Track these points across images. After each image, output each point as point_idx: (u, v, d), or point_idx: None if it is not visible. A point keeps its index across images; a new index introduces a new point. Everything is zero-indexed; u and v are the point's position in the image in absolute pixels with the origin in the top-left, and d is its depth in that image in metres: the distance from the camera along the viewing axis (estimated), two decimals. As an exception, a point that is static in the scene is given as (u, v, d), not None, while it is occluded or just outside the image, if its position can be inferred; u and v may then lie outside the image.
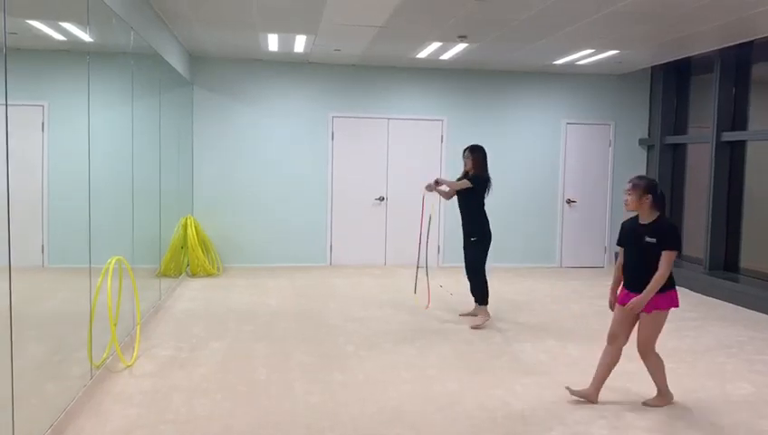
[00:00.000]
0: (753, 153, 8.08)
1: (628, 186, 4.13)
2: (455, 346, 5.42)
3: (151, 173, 6.36)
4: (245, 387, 4.36)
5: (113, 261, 4.56)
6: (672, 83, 9.43)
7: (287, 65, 9.12)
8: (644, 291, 3.97)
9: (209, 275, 8.39)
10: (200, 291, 7.48)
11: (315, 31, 7.04)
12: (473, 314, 6.29)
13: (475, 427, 3.79)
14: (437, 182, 6.28)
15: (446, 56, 8.34)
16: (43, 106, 5.12)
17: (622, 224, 4.32)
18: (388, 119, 9.42)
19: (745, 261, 7.92)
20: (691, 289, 8.06)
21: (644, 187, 4.06)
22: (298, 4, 6.01)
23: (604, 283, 8.59)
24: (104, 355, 4.52)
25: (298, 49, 8.09)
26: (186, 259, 8.34)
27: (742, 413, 4.08)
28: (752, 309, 6.88)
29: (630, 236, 4.16)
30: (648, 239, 4.03)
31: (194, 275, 8.33)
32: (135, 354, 4.91)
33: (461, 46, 7.68)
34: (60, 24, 4.38)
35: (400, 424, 3.80)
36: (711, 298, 7.54)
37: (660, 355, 4.20)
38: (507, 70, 9.41)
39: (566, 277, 8.96)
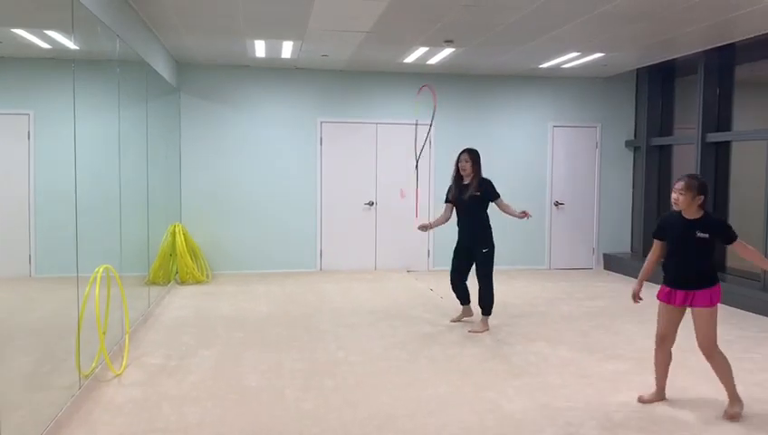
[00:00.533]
0: (737, 153, 8.16)
1: (680, 185, 4.01)
2: (445, 350, 5.42)
3: (139, 181, 6.33)
4: (236, 394, 4.34)
5: (101, 270, 4.53)
6: (657, 85, 9.52)
7: (275, 71, 9.12)
8: (760, 259, 4.02)
9: (198, 282, 8.36)
10: (189, 298, 7.45)
11: (302, 37, 7.05)
12: (459, 320, 6.28)
13: (466, 430, 3.79)
14: (426, 226, 6.24)
15: (433, 61, 8.37)
16: (28, 115, 5.10)
17: (663, 216, 4.25)
18: (377, 123, 9.43)
19: (732, 260, 7.98)
20: (679, 289, 8.12)
21: (698, 187, 3.97)
22: (284, 11, 6.02)
23: (593, 284, 8.65)
24: (93, 365, 4.49)
25: (285, 55, 8.09)
26: (174, 267, 8.30)
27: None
28: (738, 308, 6.94)
29: (678, 231, 4.07)
30: (700, 235, 3.98)
31: (183, 282, 8.29)
32: (124, 363, 4.88)
33: (448, 51, 7.71)
34: (45, 32, 4.37)
35: (392, 429, 3.80)
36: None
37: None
38: (494, 74, 9.46)
39: (555, 279, 9.00)
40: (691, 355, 5.33)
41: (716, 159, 8.28)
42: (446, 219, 6.28)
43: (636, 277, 9.91)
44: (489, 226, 6.06)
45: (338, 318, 6.53)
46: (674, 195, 4.05)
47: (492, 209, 6.13)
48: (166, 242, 7.99)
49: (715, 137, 8.18)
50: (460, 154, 6.09)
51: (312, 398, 4.27)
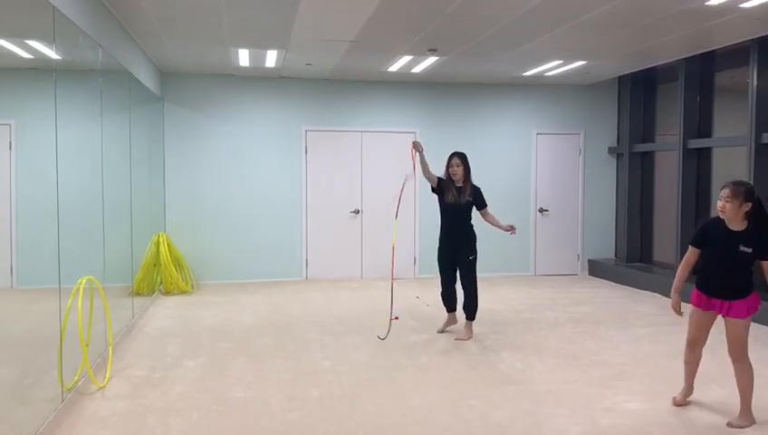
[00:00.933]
0: (718, 159, 8.26)
1: (726, 192, 3.86)
2: (431, 358, 5.42)
3: (122, 191, 6.29)
4: (221, 405, 4.30)
5: (84, 281, 4.49)
6: (639, 93, 9.62)
7: (259, 80, 9.11)
8: None
9: (183, 292, 8.30)
10: (174, 309, 7.39)
11: (286, 46, 7.05)
12: (444, 330, 6.22)
13: (453, 438, 3.79)
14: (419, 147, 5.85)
15: (417, 69, 8.40)
16: (9, 125, 5.05)
17: (705, 224, 4.13)
18: (362, 132, 9.45)
19: None
20: (663, 294, 8.18)
21: (744, 194, 3.84)
22: (268, 20, 6.02)
23: (578, 290, 8.70)
24: (76, 377, 4.44)
25: (269, 64, 8.09)
26: (158, 277, 8.24)
27: (715, 416, 4.13)
28: None
29: (720, 241, 3.95)
30: (743, 248, 3.87)
31: (167, 293, 8.23)
32: (108, 375, 4.83)
33: (432, 59, 7.75)
34: (26, 42, 4.34)
35: (378, 438, 3.79)
36: (683, 302, 7.62)
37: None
38: (478, 82, 9.51)
39: (541, 285, 9.04)
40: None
41: (698, 164, 8.38)
42: (431, 179, 6.01)
43: (620, 283, 10.02)
44: (473, 232, 6.07)
45: (324, 327, 6.51)
46: (720, 203, 3.91)
47: (509, 219, 6.18)
48: (150, 252, 7.93)
49: (696, 143, 8.28)
50: (450, 158, 6.00)
51: (297, 408, 4.25)
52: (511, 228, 5.98)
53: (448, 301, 6.24)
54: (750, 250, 3.90)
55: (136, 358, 5.41)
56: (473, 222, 6.07)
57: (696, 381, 4.37)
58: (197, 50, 7.38)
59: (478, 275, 6.11)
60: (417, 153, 5.90)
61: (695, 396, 4.45)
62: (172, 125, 8.92)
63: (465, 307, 6.08)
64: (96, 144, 5.32)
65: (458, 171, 5.95)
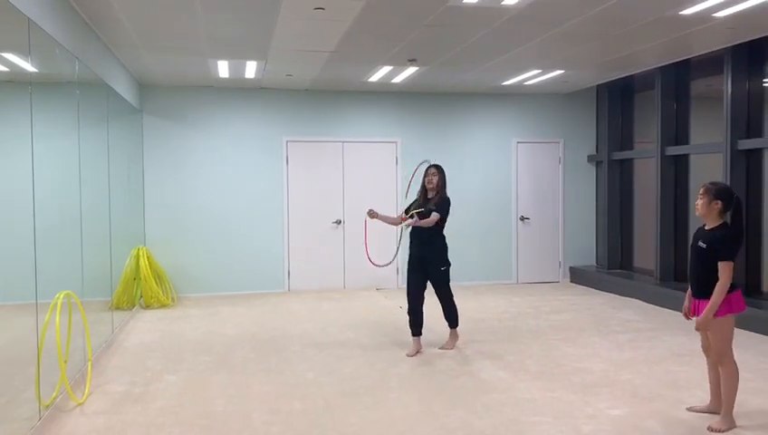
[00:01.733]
0: (695, 166, 8.37)
1: (701, 190, 4.04)
2: (415, 368, 5.41)
3: (100, 204, 6.22)
4: (203, 420, 4.25)
5: (61, 296, 4.42)
6: (617, 101, 9.74)
7: (239, 91, 9.09)
8: (706, 307, 3.91)
9: (163, 306, 8.21)
10: (154, 323, 7.31)
11: (265, 57, 7.04)
12: (415, 354, 5.87)
13: (436, 448, 3.78)
14: (372, 214, 5.92)
15: (397, 79, 8.44)
16: (-16, 139, 4.98)
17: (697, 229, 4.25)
18: (343, 142, 9.45)
19: None
20: (643, 300, 8.26)
21: (715, 192, 3.98)
22: (246, 31, 6.02)
23: (560, 297, 8.75)
24: (54, 394, 4.36)
25: (249, 75, 8.07)
26: (139, 291, 8.15)
27: (697, 420, 4.16)
28: None
29: (693, 241, 4.12)
30: (700, 244, 4.00)
31: (147, 306, 8.14)
32: (86, 391, 4.75)
33: (411, 69, 7.78)
34: (1, 54, 4.29)
35: (362, 450, 3.76)
36: (663, 308, 7.73)
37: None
38: (458, 91, 9.57)
39: (522, 293, 9.08)
40: (679, 367, 5.41)
41: (676, 171, 8.49)
42: (395, 223, 6.09)
43: (601, 290, 10.10)
44: (442, 243, 5.92)
45: (306, 339, 6.48)
46: (696, 202, 4.08)
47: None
48: (129, 266, 7.85)
49: (673, 150, 8.39)
50: (428, 168, 5.99)
51: (280, 421, 4.21)
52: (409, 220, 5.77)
53: (415, 323, 5.90)
54: (705, 246, 3.98)
55: (116, 373, 5.33)
56: (445, 233, 5.93)
57: (703, 391, 4.33)
58: (176, 62, 7.35)
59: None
60: (374, 219, 5.94)
61: (681, 399, 4.48)
62: (151, 137, 8.86)
63: (445, 317, 6.05)
64: (73, 157, 5.26)
65: (433, 180, 5.87)
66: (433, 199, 5.89)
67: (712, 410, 4.20)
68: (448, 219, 5.93)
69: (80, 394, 4.68)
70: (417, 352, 5.85)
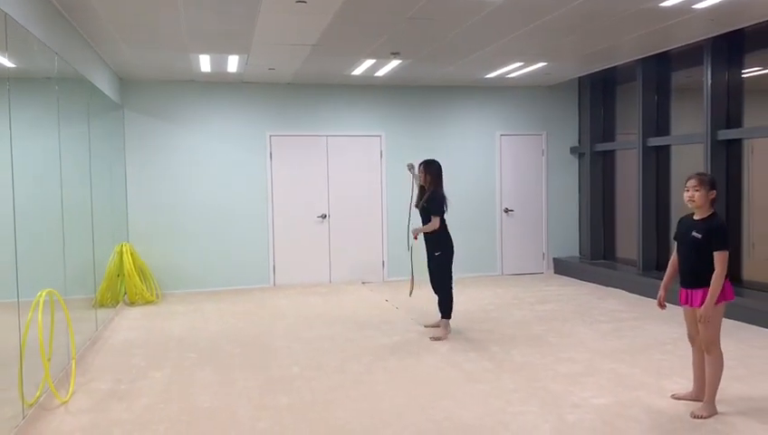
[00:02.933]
0: (676, 156, 8.45)
1: (694, 182, 4.03)
2: (401, 360, 5.43)
3: (82, 201, 6.16)
4: (189, 416, 4.24)
5: (44, 294, 4.38)
6: (599, 93, 9.80)
7: (221, 85, 9.02)
8: (707, 298, 3.95)
9: (148, 302, 8.16)
10: (139, 320, 7.27)
11: (247, 51, 7.00)
12: (436, 326, 6.30)
13: (423, 440, 3.80)
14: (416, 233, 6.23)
15: (380, 73, 8.42)
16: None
17: (680, 219, 4.26)
18: (327, 136, 9.42)
19: (751, 273, 7.90)
20: (626, 290, 8.34)
21: (709, 182, 4.02)
22: (228, 25, 5.97)
23: (544, 288, 8.81)
24: (37, 393, 4.33)
25: (231, 69, 8.02)
26: (122, 287, 8.09)
27: (681, 407, 4.22)
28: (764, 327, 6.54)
29: (684, 231, 4.14)
30: (694, 234, 4.03)
31: (132, 303, 8.08)
32: (71, 390, 4.72)
33: (394, 63, 7.77)
34: (-23, 50, 4.22)
35: (349, 443, 3.77)
36: (646, 298, 7.81)
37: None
38: (441, 84, 9.57)
39: (507, 285, 9.13)
40: (662, 355, 5.48)
41: (657, 162, 8.57)
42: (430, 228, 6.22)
43: (585, 280, 10.18)
44: (441, 233, 6.14)
45: (292, 333, 6.47)
46: (688, 193, 4.05)
47: (453, 218, 6.30)
48: (113, 262, 7.79)
49: (654, 141, 8.46)
50: (419, 165, 6.26)
51: (266, 416, 4.21)
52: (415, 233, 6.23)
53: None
54: (700, 236, 4.01)
55: (100, 371, 5.30)
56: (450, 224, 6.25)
57: (690, 383, 4.36)
58: (157, 56, 7.28)
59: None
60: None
61: (664, 387, 4.55)
62: (133, 133, 8.78)
63: (438, 305, 6.25)
64: (54, 153, 5.20)
65: (421, 177, 6.24)
66: (426, 195, 6.17)
67: (695, 397, 4.25)
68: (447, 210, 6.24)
69: (64, 393, 4.64)
70: (434, 325, 6.32)
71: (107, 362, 5.58)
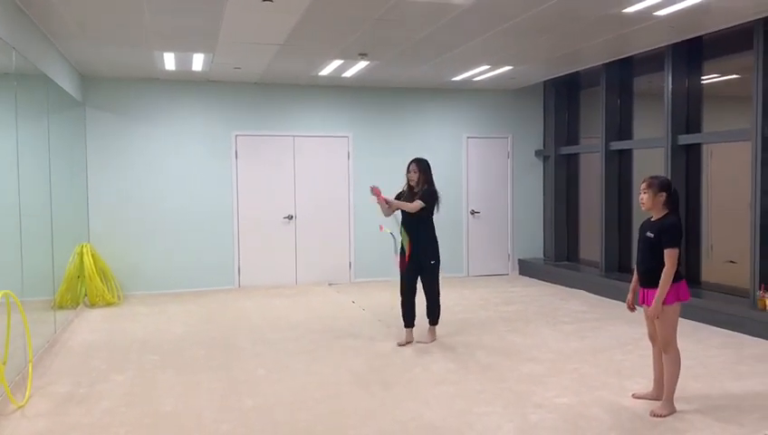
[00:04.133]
0: (638, 160, 8.62)
1: (644, 185, 4.16)
2: (367, 362, 5.42)
3: (41, 200, 6.01)
4: (151, 419, 4.17)
5: (-1, 295, 4.26)
6: (563, 97, 9.94)
7: (186, 84, 8.90)
8: (656, 296, 4.02)
9: (109, 304, 8.00)
10: (100, 322, 7.12)
11: (213, 49, 6.92)
12: (405, 344, 5.95)
13: (388, 441, 3.79)
14: (385, 200, 5.75)
15: (348, 73, 8.41)
16: None
17: (641, 223, 4.34)
18: (294, 136, 9.37)
19: (709, 275, 8.04)
20: (589, 291, 8.48)
21: (658, 185, 4.12)
22: (193, 23, 5.89)
23: (509, 289, 8.90)
24: (-8, 397, 4.20)
25: (196, 67, 7.92)
26: (83, 289, 7.91)
27: (641, 406, 4.30)
28: (725, 328, 6.48)
29: (641, 233, 4.22)
30: (647, 234, 4.11)
31: (92, 305, 7.91)
32: (27, 394, 4.59)
33: (362, 64, 7.77)
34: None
35: (314, 445, 3.75)
36: (608, 299, 7.94)
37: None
38: (409, 86, 9.60)
39: (473, 286, 9.20)
40: (623, 355, 5.56)
41: (619, 165, 8.73)
42: (388, 214, 5.93)
43: (549, 281, 10.31)
44: (434, 237, 5.96)
45: (257, 335, 6.41)
46: (640, 196, 4.18)
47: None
48: (73, 263, 7.62)
49: (617, 145, 8.62)
50: (408, 164, 5.98)
51: (230, 419, 4.16)
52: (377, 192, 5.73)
53: (408, 315, 6.00)
54: (653, 236, 4.11)
55: (58, 374, 5.17)
56: (393, 223, 6.00)
57: (651, 380, 4.42)
58: (120, 54, 7.15)
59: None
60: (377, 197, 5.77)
61: (625, 387, 4.62)
62: (95, 131, 8.60)
63: (428, 313, 6.04)
64: (11, 152, 5.06)
65: (414, 177, 5.91)
66: (418, 194, 5.87)
67: (655, 396, 4.33)
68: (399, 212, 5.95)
69: (20, 397, 4.52)
70: (408, 342, 5.92)
71: (66, 365, 5.45)
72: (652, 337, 4.36)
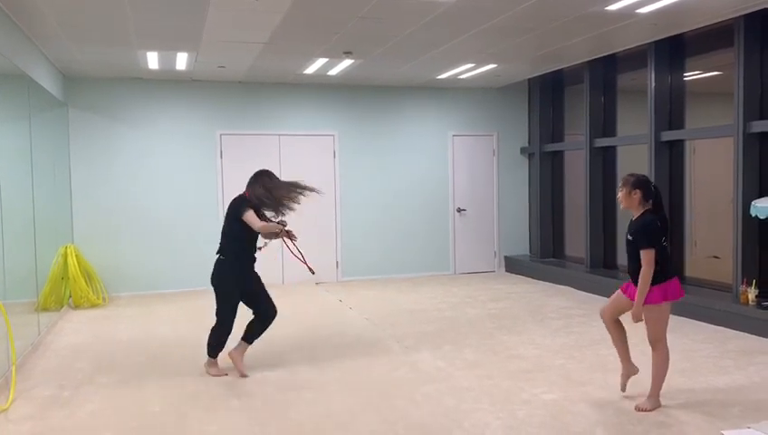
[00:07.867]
0: (622, 157, 8.68)
1: (620, 183, 4.19)
2: (355, 361, 5.42)
3: (23, 201, 5.94)
4: (137, 422, 4.14)
5: (-19, 298, 4.20)
6: (548, 95, 9.99)
7: (170, 83, 8.84)
8: (636, 297, 4.04)
9: (94, 306, 7.93)
10: (84, 324, 7.05)
11: (197, 48, 6.88)
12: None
13: (376, 440, 3.80)
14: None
15: (333, 72, 8.39)
16: None
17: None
18: (279, 135, 9.33)
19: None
20: (575, 287, 8.53)
21: (632, 183, 4.12)
22: (177, 22, 5.85)
23: (496, 286, 8.93)
24: (-25, 402, 4.15)
25: (180, 67, 7.87)
26: (67, 291, 7.83)
27: (625, 401, 4.33)
28: (710, 323, 6.56)
29: (626, 233, 4.22)
30: (628, 236, 4.13)
31: (77, 307, 7.84)
32: (11, 397, 4.54)
33: (347, 62, 7.75)
34: None
35: (301, 445, 3.74)
36: (594, 295, 7.99)
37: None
38: (394, 85, 9.60)
39: (460, 283, 9.22)
40: (608, 350, 5.60)
41: (603, 162, 8.78)
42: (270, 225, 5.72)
43: (535, 278, 10.34)
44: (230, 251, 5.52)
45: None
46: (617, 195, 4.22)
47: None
48: (57, 265, 7.54)
49: (601, 142, 8.67)
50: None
51: (217, 420, 4.14)
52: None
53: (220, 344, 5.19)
54: (631, 237, 4.13)
55: (43, 377, 5.11)
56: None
57: (616, 367, 4.47)
58: (102, 52, 7.08)
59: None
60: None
61: (610, 382, 4.65)
62: (78, 131, 8.51)
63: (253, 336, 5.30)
64: (-8, 152, 5.01)
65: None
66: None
67: (629, 372, 4.36)
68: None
69: (3, 400, 4.47)
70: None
71: (50, 367, 5.40)
72: (602, 311, 4.38)
